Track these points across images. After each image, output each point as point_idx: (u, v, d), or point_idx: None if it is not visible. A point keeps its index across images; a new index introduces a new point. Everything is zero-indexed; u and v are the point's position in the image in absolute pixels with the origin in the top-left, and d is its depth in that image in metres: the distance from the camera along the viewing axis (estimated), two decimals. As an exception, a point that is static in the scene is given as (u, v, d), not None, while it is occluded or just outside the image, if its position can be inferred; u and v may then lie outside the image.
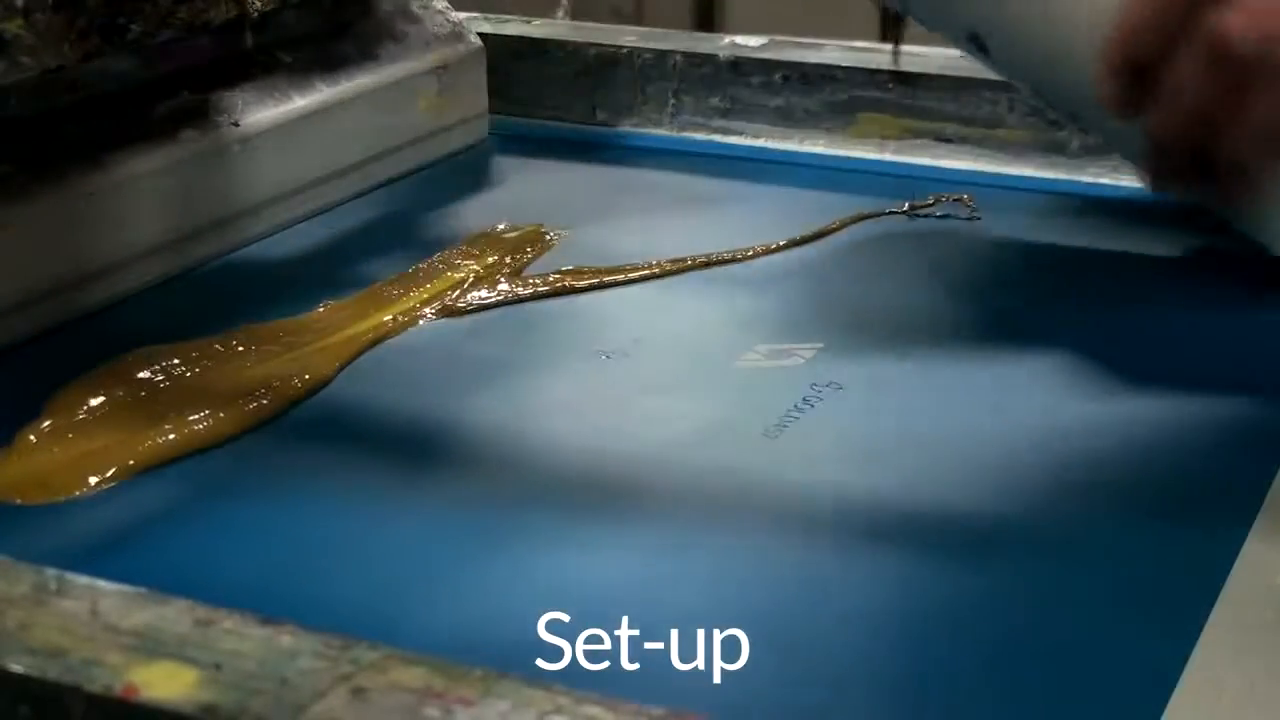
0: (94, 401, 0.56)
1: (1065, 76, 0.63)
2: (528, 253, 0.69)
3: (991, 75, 0.77)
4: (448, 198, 0.77)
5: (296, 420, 0.56)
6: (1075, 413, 0.56)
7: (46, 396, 0.56)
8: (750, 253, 0.69)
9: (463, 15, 0.84)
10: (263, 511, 0.51)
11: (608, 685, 0.34)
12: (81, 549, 0.49)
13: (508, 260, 0.68)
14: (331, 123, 0.74)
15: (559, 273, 0.67)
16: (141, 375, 0.58)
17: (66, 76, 0.64)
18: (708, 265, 0.68)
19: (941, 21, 0.67)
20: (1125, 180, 0.75)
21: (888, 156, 0.79)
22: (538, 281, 0.66)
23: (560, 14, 0.97)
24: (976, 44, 0.65)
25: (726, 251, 0.69)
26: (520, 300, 0.65)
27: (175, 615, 0.37)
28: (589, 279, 0.66)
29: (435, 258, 0.68)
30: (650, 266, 0.67)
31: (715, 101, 0.83)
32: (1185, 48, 0.57)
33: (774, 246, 0.69)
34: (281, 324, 0.62)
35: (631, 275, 0.67)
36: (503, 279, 0.66)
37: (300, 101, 0.73)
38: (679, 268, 0.67)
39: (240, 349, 0.60)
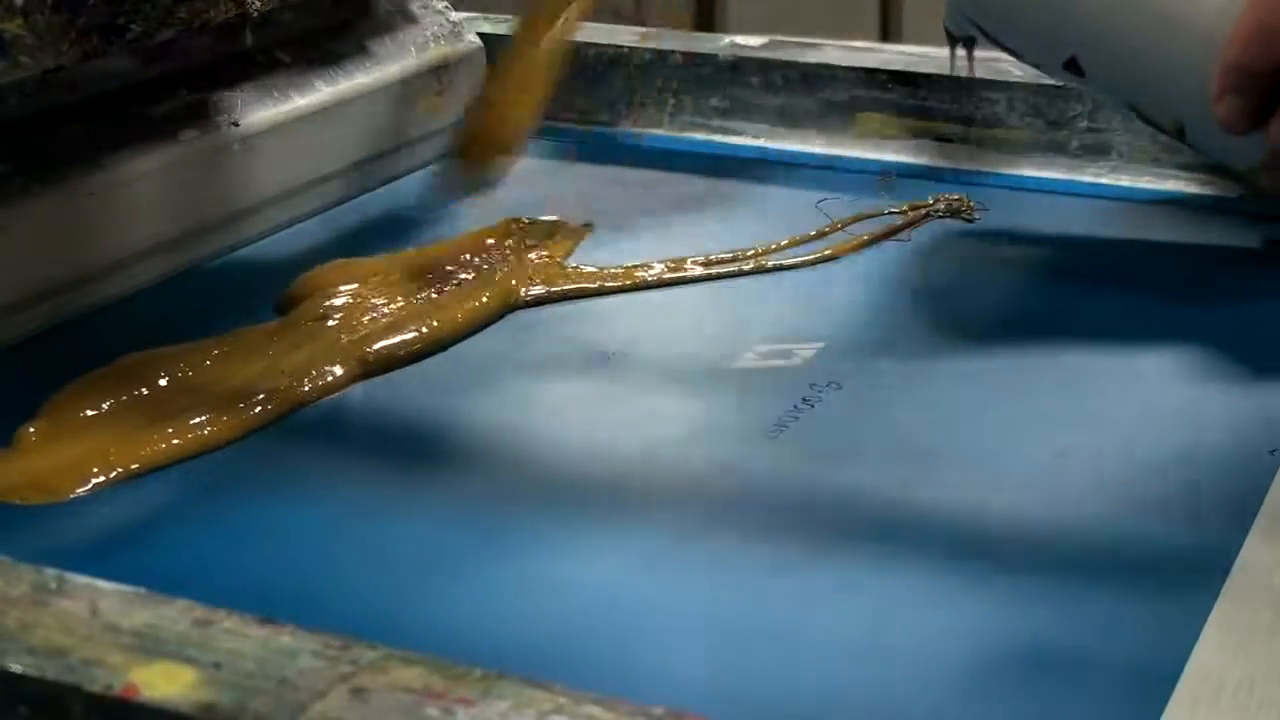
0: (94, 402, 0.56)
1: (1174, 90, 0.63)
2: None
3: (991, 75, 0.77)
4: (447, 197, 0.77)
5: (297, 420, 0.56)
6: (1074, 411, 0.56)
7: (46, 396, 0.56)
8: (750, 252, 0.69)
9: (462, 15, 0.84)
10: (263, 511, 0.51)
11: (608, 685, 0.34)
12: (81, 549, 0.49)
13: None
14: (331, 123, 0.74)
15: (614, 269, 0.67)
16: (141, 375, 0.58)
17: (66, 76, 0.64)
18: (737, 269, 0.68)
19: (1035, 47, 0.67)
20: (1124, 180, 0.75)
21: (888, 156, 0.79)
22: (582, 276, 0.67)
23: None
24: (1073, 68, 0.65)
25: (727, 252, 0.69)
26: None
27: (175, 615, 0.37)
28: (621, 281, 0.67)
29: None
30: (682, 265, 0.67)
31: (715, 101, 0.83)
32: None
33: (774, 246, 0.69)
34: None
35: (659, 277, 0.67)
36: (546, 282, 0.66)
37: (300, 101, 0.73)
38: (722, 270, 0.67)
39: (242, 350, 0.60)
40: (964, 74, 0.73)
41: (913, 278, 0.67)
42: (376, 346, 0.60)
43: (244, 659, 0.35)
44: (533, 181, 0.79)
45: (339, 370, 0.58)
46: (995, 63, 0.78)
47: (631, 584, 0.47)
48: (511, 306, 0.64)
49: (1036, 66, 0.69)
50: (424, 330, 0.61)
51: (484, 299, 0.64)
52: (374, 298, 0.63)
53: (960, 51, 0.70)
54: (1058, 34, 0.65)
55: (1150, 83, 0.64)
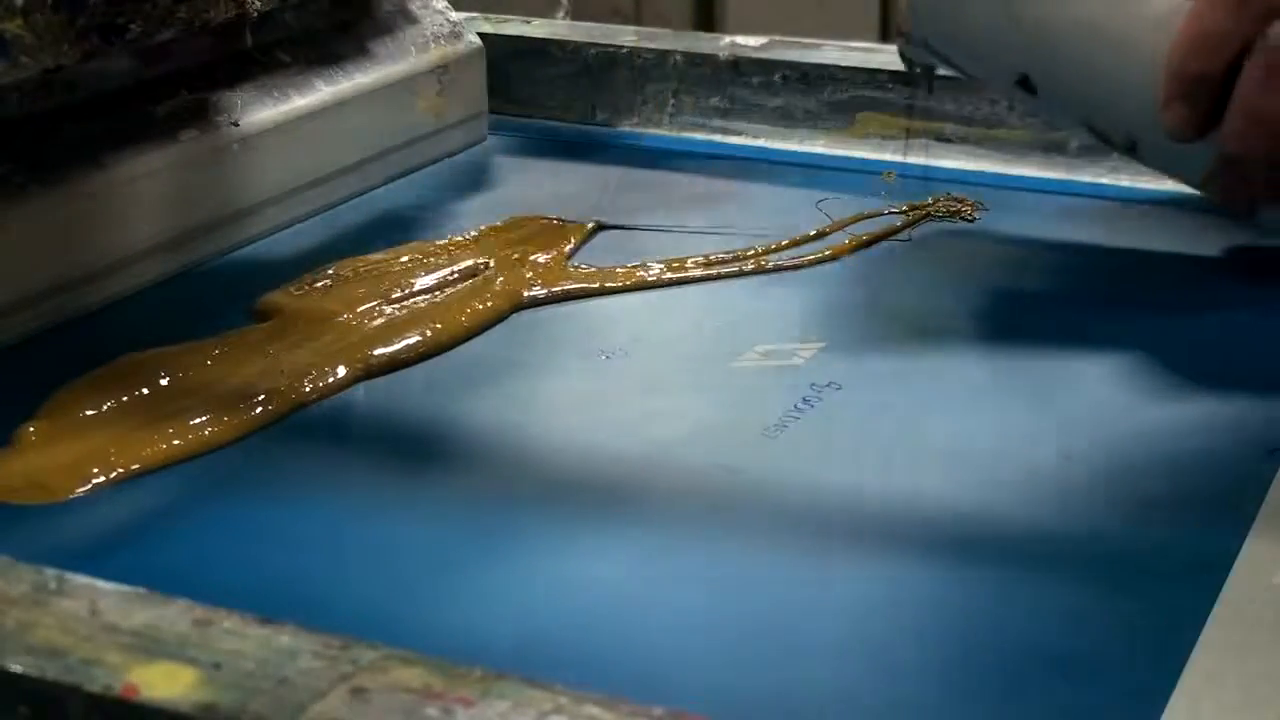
0: (94, 402, 0.56)
1: (1123, 104, 0.63)
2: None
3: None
4: (448, 198, 0.77)
5: (296, 420, 0.56)
6: (1074, 412, 0.56)
7: (46, 396, 0.56)
8: (750, 252, 0.69)
9: (462, 15, 0.84)
10: (263, 511, 0.51)
11: (608, 685, 0.34)
12: (81, 549, 0.49)
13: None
14: (331, 123, 0.74)
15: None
16: (141, 375, 0.58)
17: (66, 76, 0.64)
18: (733, 268, 0.68)
19: (987, 67, 0.67)
20: (1124, 180, 0.75)
21: (888, 156, 0.79)
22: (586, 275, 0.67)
23: (560, 14, 0.97)
24: (1024, 86, 0.65)
25: (726, 252, 0.69)
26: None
27: (175, 615, 0.37)
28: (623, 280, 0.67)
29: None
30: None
31: (715, 101, 0.83)
32: (1256, 57, 0.57)
33: (774, 246, 0.69)
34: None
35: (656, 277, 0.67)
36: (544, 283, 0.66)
37: (300, 101, 0.73)
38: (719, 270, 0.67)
39: (242, 350, 0.60)
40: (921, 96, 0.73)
41: (913, 278, 0.67)
42: (378, 351, 0.60)
43: (244, 659, 0.35)
44: (534, 181, 0.79)
45: (340, 371, 0.58)
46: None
47: (631, 584, 0.47)
48: (516, 308, 0.64)
49: (992, 87, 0.69)
50: (427, 334, 0.61)
51: (488, 301, 0.64)
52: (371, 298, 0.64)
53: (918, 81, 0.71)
54: (1008, 53, 0.65)
55: (1100, 99, 0.64)
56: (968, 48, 0.67)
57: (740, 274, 0.67)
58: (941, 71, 0.70)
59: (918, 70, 0.70)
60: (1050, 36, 0.63)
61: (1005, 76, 0.66)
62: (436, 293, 0.64)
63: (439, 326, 0.61)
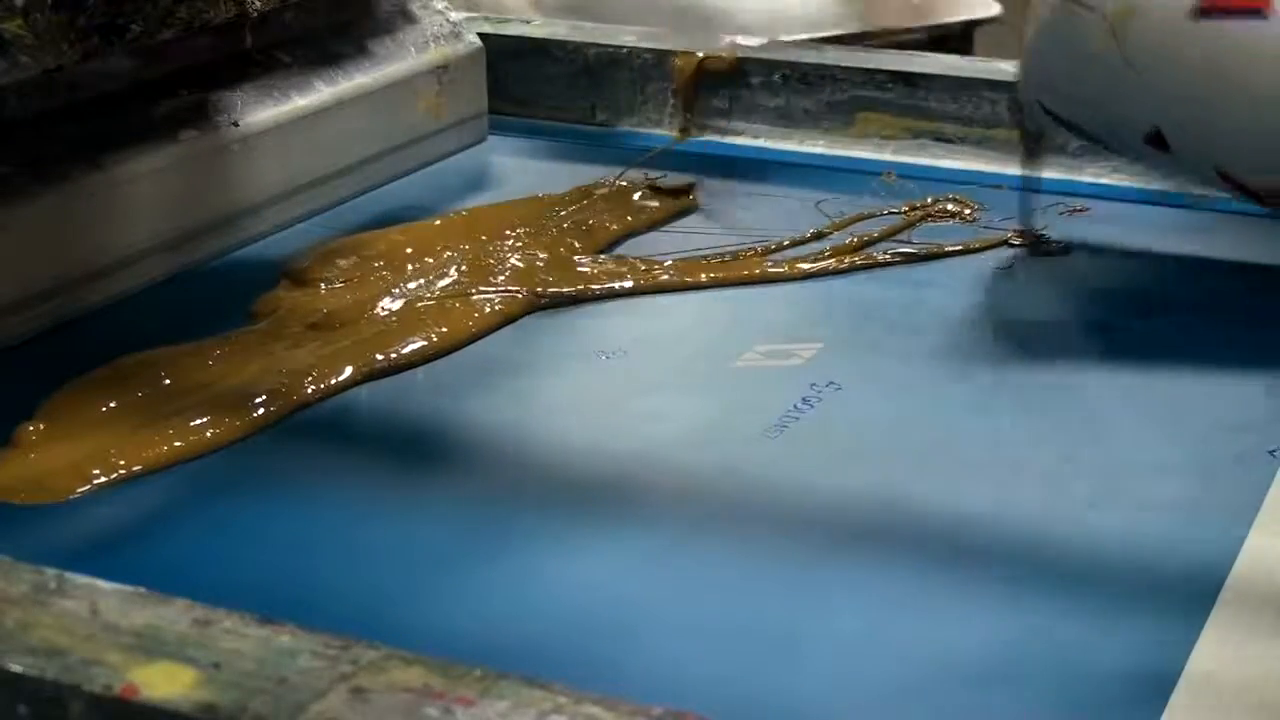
0: (94, 402, 0.56)
1: (1270, 147, 0.60)
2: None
3: (991, 75, 0.77)
4: (448, 198, 0.77)
5: (297, 420, 0.56)
6: (1073, 412, 0.56)
7: (46, 396, 0.56)
8: (751, 253, 0.69)
9: (462, 15, 0.84)
10: (263, 511, 0.51)
11: (608, 685, 0.34)
12: (81, 549, 0.49)
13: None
14: (331, 123, 0.74)
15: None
16: (142, 376, 0.58)
17: (66, 76, 0.64)
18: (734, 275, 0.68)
19: (1111, 127, 0.65)
20: (1123, 180, 0.75)
21: (888, 156, 0.79)
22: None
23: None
24: (1155, 142, 0.62)
25: (728, 254, 0.68)
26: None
27: (175, 615, 0.37)
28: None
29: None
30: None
31: (715, 101, 0.82)
32: None
33: (774, 246, 0.69)
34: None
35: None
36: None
37: (300, 101, 0.73)
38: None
39: (242, 350, 0.60)
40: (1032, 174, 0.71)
41: (911, 278, 0.67)
42: (380, 357, 0.59)
43: (244, 659, 0.35)
44: (534, 181, 0.79)
45: (342, 373, 0.58)
46: (994, 62, 0.78)
47: (631, 583, 0.47)
48: (525, 312, 0.64)
49: (1112, 146, 0.67)
50: (433, 338, 0.61)
51: (497, 305, 0.63)
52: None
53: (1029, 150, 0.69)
54: (1134, 109, 0.62)
55: (1243, 141, 0.60)
56: (1089, 108, 0.64)
57: (739, 274, 0.67)
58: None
59: (1030, 140, 0.68)
60: (1182, 84, 0.60)
61: (1133, 134, 0.63)
62: (442, 294, 0.64)
63: (444, 330, 0.61)
